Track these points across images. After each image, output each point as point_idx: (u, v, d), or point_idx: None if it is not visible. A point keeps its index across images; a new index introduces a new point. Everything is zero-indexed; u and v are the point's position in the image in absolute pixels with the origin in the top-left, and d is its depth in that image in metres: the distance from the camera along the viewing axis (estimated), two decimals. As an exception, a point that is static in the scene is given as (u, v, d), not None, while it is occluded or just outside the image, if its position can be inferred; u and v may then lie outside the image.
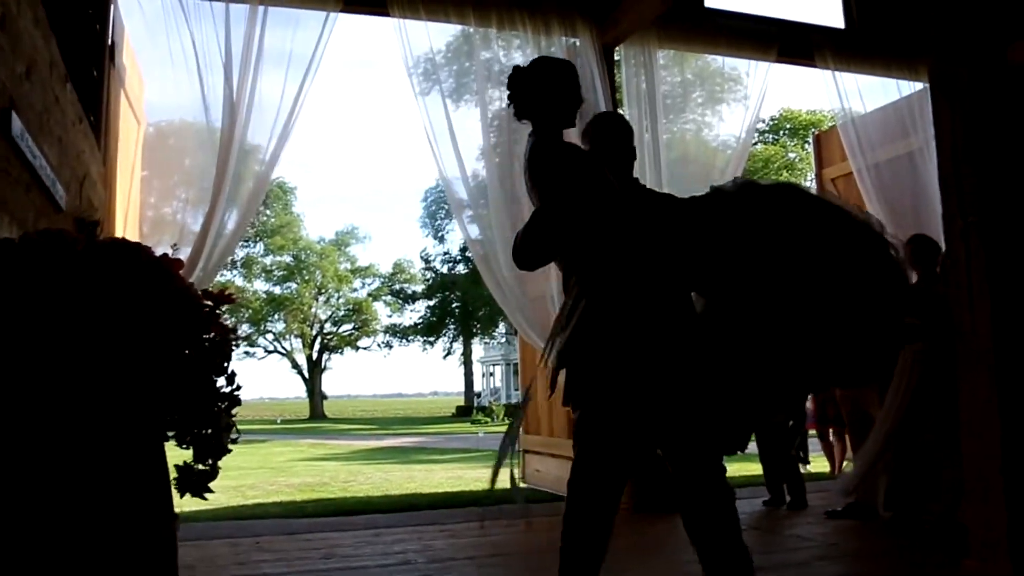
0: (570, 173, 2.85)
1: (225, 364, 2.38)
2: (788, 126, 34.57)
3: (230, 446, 2.41)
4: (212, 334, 2.37)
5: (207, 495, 2.37)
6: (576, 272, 2.96)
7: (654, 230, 2.95)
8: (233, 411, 2.42)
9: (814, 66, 7.25)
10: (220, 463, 2.39)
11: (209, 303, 2.41)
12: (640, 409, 2.83)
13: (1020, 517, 3.54)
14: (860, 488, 5.35)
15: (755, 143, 34.89)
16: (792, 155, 33.06)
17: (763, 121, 35.07)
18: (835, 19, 7.52)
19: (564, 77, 3.09)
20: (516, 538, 5.36)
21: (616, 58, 6.92)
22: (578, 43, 6.63)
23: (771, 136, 35.23)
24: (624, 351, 2.78)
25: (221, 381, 2.38)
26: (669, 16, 6.56)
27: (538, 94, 3.01)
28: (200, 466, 2.35)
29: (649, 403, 2.81)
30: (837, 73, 7.29)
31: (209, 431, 2.33)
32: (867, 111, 7.64)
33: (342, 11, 6.03)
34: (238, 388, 2.41)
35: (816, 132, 10.28)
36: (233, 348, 2.43)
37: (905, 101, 7.55)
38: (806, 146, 31.45)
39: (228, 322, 2.53)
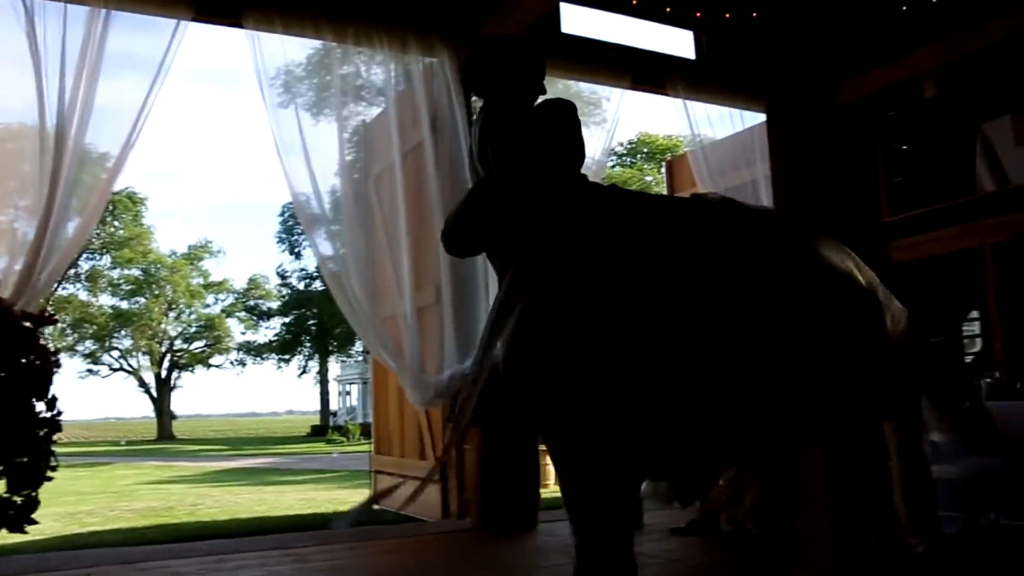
0: (531, 151, 2.67)
1: (46, 388, 2.25)
2: (645, 150, 35.87)
3: (50, 474, 2.27)
4: (32, 356, 2.24)
5: (28, 527, 2.22)
6: (517, 264, 2.63)
7: (605, 227, 2.59)
8: (53, 437, 2.28)
9: (666, 94, 7.49)
10: (41, 491, 2.25)
11: (28, 324, 2.27)
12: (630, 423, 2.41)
13: (845, 529, 3.71)
14: (713, 505, 5.45)
15: (612, 165, 36.15)
16: (648, 178, 34.20)
17: (621, 144, 36.65)
18: (687, 50, 7.80)
19: (533, 59, 2.97)
20: (361, 561, 5.25)
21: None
22: (435, 62, 6.63)
23: (628, 159, 36.56)
24: (597, 357, 2.36)
25: (40, 406, 2.24)
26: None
27: (505, 69, 2.84)
28: (17, 497, 2.20)
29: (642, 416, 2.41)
30: (688, 101, 7.57)
31: (26, 459, 2.19)
32: (716, 139, 7.96)
33: (193, 20, 5.84)
34: (59, 413, 2.28)
35: (669, 157, 10.65)
36: (55, 371, 2.30)
37: (749, 132, 7.90)
38: (661, 170, 32.60)
39: (51, 343, 2.39)
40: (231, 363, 48.46)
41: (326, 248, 6.67)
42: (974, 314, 6.88)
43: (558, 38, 7.08)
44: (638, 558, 4.96)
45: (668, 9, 7.40)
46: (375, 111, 7.26)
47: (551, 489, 10.87)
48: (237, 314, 48.02)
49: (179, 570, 4.90)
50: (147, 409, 51.43)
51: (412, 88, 6.64)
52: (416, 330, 6.33)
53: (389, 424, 7.53)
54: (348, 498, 11.26)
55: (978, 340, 6.90)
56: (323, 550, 5.46)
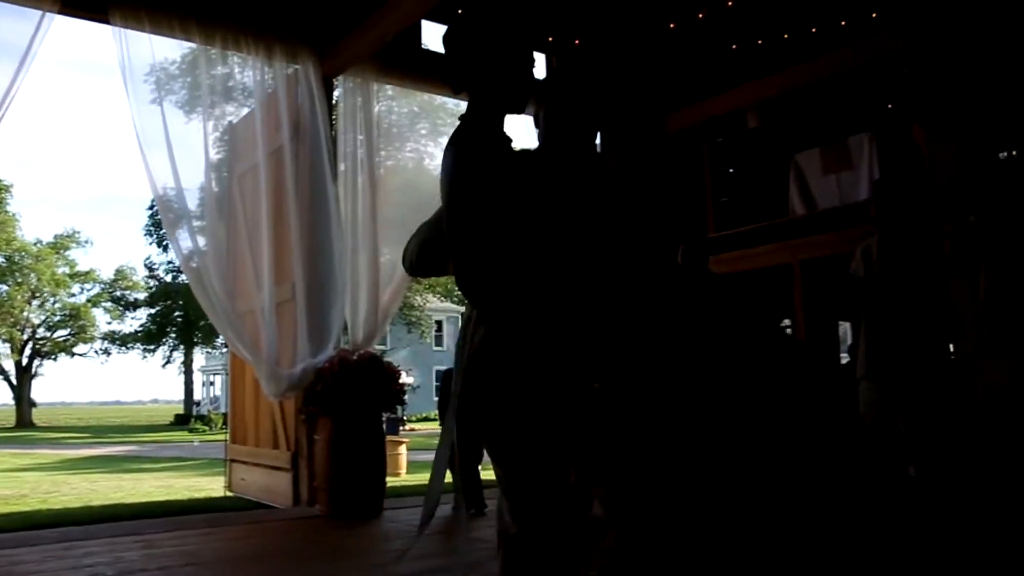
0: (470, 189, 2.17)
1: None
2: None
3: None
4: None
5: None
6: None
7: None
8: None
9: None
10: None
11: None
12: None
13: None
14: None
15: None
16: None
17: None
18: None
19: (520, 44, 2.33)
20: (212, 546, 5.41)
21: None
22: (299, 69, 6.90)
23: None
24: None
25: None
26: (387, 52, 7.01)
27: (486, 60, 2.21)
28: None
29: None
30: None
31: None
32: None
33: (60, 12, 5.94)
34: None
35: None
36: None
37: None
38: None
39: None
40: (96, 352, 47.14)
41: (188, 244, 6.83)
42: (786, 322, 7.57)
43: (417, 53, 7.46)
44: (473, 543, 5.36)
45: (523, 32, 7.83)
46: (245, 112, 7.46)
47: (401, 478, 11.28)
48: (103, 304, 46.69)
49: (24, 558, 4.91)
50: (5, 396, 49.18)
51: (277, 93, 6.89)
52: (273, 325, 6.58)
53: (245, 414, 7.74)
54: (206, 485, 11.33)
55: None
56: (174, 536, 5.60)
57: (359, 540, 5.54)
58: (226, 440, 8.43)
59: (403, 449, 13.09)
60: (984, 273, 3.85)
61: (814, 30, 8.46)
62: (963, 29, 6.53)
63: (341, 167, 7.06)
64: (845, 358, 7.79)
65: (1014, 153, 3.93)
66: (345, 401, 6.15)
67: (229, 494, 7.94)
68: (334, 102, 7.31)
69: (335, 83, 7.21)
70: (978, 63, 6.49)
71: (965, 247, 3.90)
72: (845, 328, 9.69)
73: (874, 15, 7.73)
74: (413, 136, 8.14)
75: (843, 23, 8.14)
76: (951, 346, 4.55)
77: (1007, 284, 3.75)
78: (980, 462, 4.15)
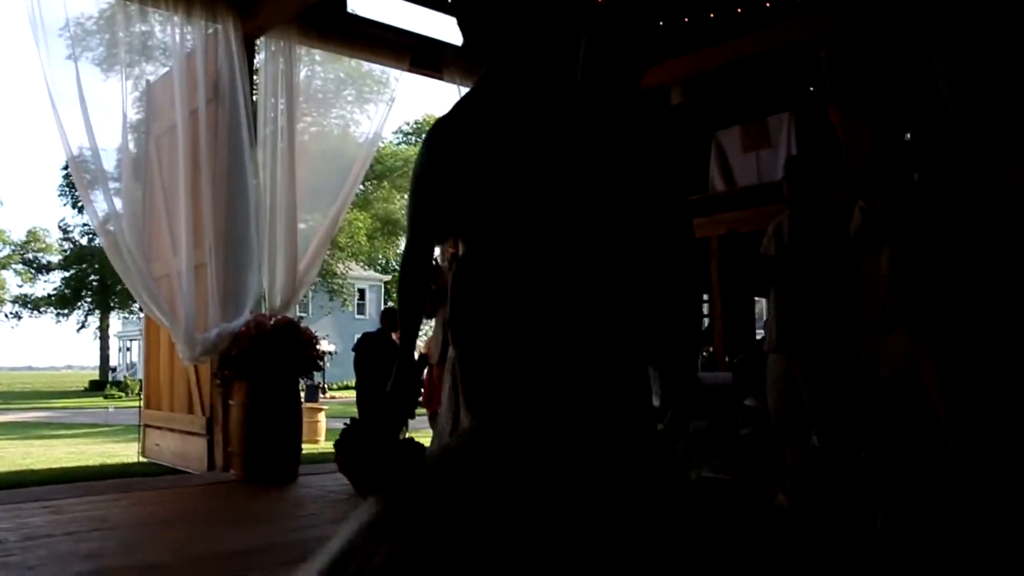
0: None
1: None
2: None
3: None
4: None
5: None
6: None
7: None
8: None
9: (442, 79, 7.89)
10: None
11: None
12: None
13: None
14: None
15: (399, 143, 37.31)
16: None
17: (408, 124, 39.12)
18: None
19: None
20: (122, 512, 5.34)
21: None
22: (219, 29, 6.76)
23: (414, 138, 37.99)
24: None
25: None
26: (311, 15, 6.91)
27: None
28: None
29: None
30: (463, 87, 7.99)
31: None
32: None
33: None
34: None
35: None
36: None
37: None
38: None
39: None
40: (6, 316, 45.53)
41: (104, 207, 6.66)
42: (704, 297, 7.72)
43: (343, 16, 7.36)
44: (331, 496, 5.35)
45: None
46: (163, 70, 7.28)
47: (320, 445, 11.24)
48: (14, 266, 45.13)
49: (-81, 526, 4.73)
50: (-96, 360, 47.35)
51: (196, 52, 6.74)
52: (190, 289, 6.48)
53: (159, 379, 7.63)
54: (119, 452, 11.12)
55: (705, 319, 7.76)
56: (83, 502, 5.51)
57: (272, 505, 5.52)
58: (140, 405, 8.29)
59: (322, 416, 13.03)
60: (887, 250, 3.99)
61: (739, 10, 8.59)
62: (880, 13, 6.70)
63: (261, 131, 6.94)
64: (761, 334, 8.01)
65: (920, 134, 4.05)
66: (261, 366, 6.10)
67: (143, 460, 7.83)
68: (256, 65, 7.17)
69: (257, 45, 7.07)
70: (893, 47, 6.67)
71: (872, 226, 4.03)
72: (762, 304, 9.96)
73: (798, -2, 7.88)
74: (339, 103, 8.05)
75: (767, 4, 8.28)
76: (858, 322, 4.70)
77: (908, 261, 3.89)
78: (881, 433, 4.32)
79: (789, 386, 4.45)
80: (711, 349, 6.99)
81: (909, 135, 4.07)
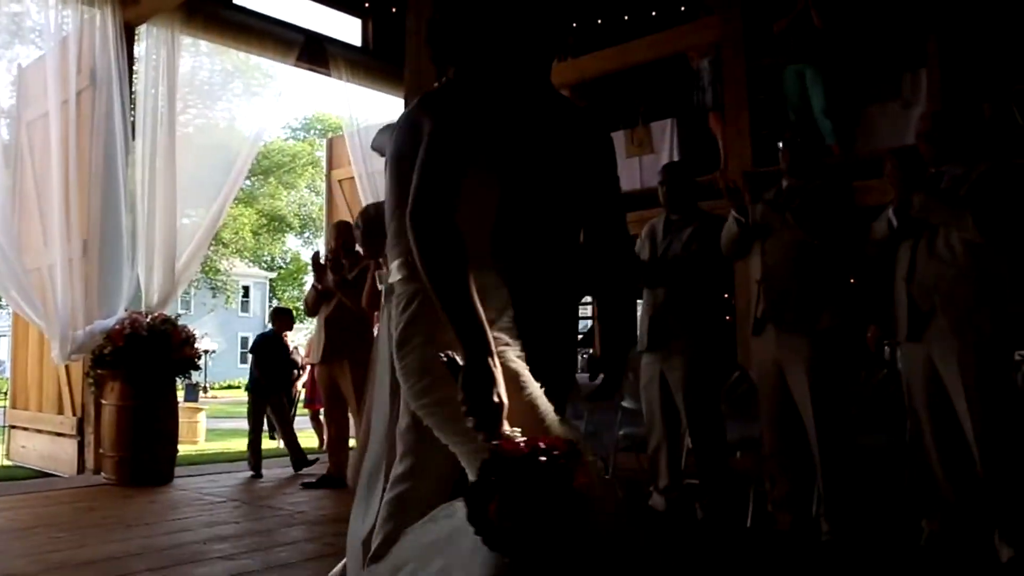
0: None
1: None
2: (319, 127, 37.00)
3: None
4: None
5: None
6: None
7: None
8: None
9: (329, 75, 7.82)
10: None
11: None
12: None
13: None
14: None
15: (287, 138, 36.84)
16: (319, 153, 34.78)
17: (297, 119, 38.61)
18: (353, 37, 8.20)
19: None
20: None
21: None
22: (98, 14, 6.52)
23: (303, 134, 37.72)
24: None
25: None
26: (196, 4, 6.75)
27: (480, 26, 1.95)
28: None
29: None
30: (350, 84, 7.94)
31: None
32: (373, 123, 8.39)
33: None
34: None
35: (331, 136, 10.93)
36: None
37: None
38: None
39: None
40: None
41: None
42: (587, 299, 7.83)
43: (228, 7, 7.22)
44: (265, 511, 5.31)
45: (338, -5, 7.77)
46: (37, 55, 6.99)
47: (199, 446, 10.98)
48: None
49: None
50: None
51: (72, 37, 6.49)
52: (63, 283, 6.24)
53: (27, 377, 7.31)
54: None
55: (589, 321, 7.91)
56: None
57: (145, 509, 5.35)
58: (4, 405, 7.93)
59: (202, 416, 12.70)
60: (757, 255, 4.14)
61: (626, 17, 8.79)
62: (763, 23, 6.96)
63: (141, 122, 6.73)
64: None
65: (792, 140, 4.23)
66: (136, 365, 5.92)
67: (7, 463, 7.49)
68: (138, 54, 6.95)
69: (138, 33, 6.86)
70: (774, 57, 6.94)
71: (745, 235, 4.18)
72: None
73: (683, 8, 8.12)
74: (225, 95, 7.87)
75: (653, 13, 8.50)
76: (729, 324, 4.86)
77: (779, 265, 4.05)
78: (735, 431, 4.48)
79: (662, 387, 4.57)
80: (591, 351, 7.12)
81: (781, 143, 4.25)
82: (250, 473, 6.69)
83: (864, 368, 4.41)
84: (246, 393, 7.57)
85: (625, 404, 5.15)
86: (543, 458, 1.49)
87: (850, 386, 4.06)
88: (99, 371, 6.11)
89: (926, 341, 3.64)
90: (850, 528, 3.89)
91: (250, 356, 7.45)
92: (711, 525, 4.50)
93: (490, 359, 1.65)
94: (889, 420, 4.29)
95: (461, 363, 1.64)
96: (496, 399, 1.61)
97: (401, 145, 1.91)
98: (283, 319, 7.53)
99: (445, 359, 1.65)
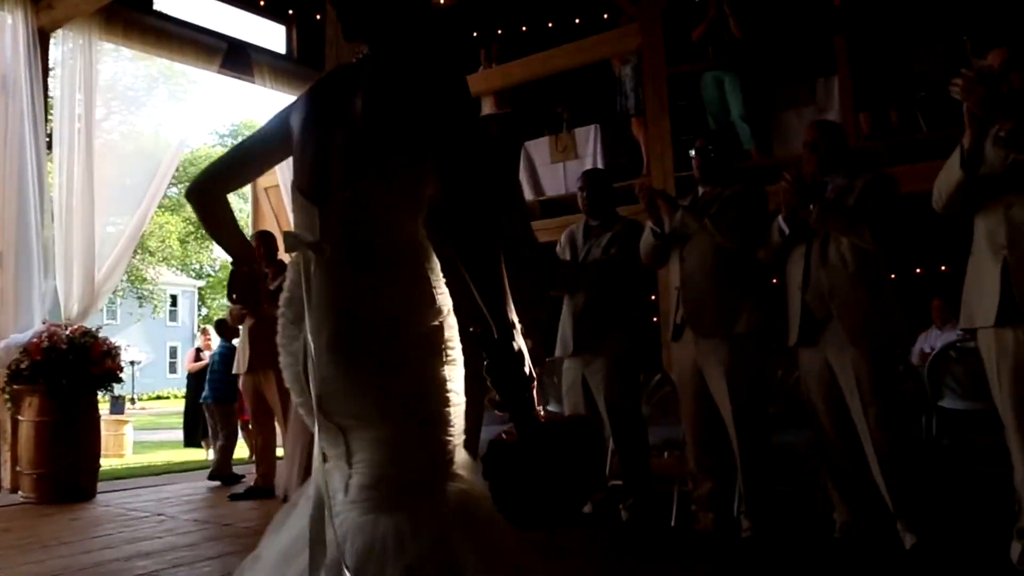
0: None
1: None
2: (247, 133, 36.64)
3: None
4: None
5: None
6: None
7: None
8: None
9: (253, 82, 7.74)
10: None
11: None
12: None
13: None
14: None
15: (214, 145, 36.23)
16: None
17: (224, 126, 38.53)
18: (278, 44, 8.14)
19: None
20: None
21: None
22: (10, 18, 6.36)
23: (230, 140, 37.30)
24: None
25: None
26: (114, 10, 6.64)
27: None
28: None
29: None
30: (275, 91, 7.87)
31: None
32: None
33: None
34: None
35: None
36: None
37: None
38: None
39: None
40: None
41: None
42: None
43: (149, 13, 7.12)
44: (190, 525, 5.23)
45: (262, 2, 7.70)
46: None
47: (125, 459, 10.76)
48: None
49: None
50: None
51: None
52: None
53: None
54: None
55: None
56: None
57: (65, 527, 5.21)
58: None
59: (128, 429, 12.46)
60: (675, 261, 4.23)
61: (550, 24, 8.89)
62: (682, 30, 7.09)
63: (59, 129, 6.58)
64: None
65: (703, 148, 4.32)
66: (55, 379, 5.78)
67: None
68: (55, 59, 6.79)
69: (54, 38, 6.71)
70: (693, 63, 7.07)
71: (661, 245, 4.27)
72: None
73: (605, 16, 8.23)
74: (150, 101, 7.75)
75: (576, 21, 8.61)
76: (648, 326, 4.94)
77: (697, 270, 4.14)
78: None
79: (585, 391, 4.63)
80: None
81: (692, 151, 4.34)
82: (175, 485, 6.60)
83: (780, 367, 4.52)
84: (205, 404, 7.61)
85: (549, 408, 5.20)
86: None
87: (767, 386, 4.16)
88: (15, 386, 5.95)
89: (821, 345, 3.77)
90: (769, 524, 4.00)
91: (215, 367, 7.47)
92: (636, 526, 4.57)
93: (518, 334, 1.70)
94: (804, 418, 4.41)
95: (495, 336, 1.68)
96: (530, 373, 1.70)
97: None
98: (231, 330, 7.51)
99: (476, 332, 1.69)
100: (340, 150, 1.79)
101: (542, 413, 1.70)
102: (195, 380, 10.37)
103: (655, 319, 6.67)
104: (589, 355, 4.56)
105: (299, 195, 1.84)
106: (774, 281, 4.27)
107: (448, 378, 1.77)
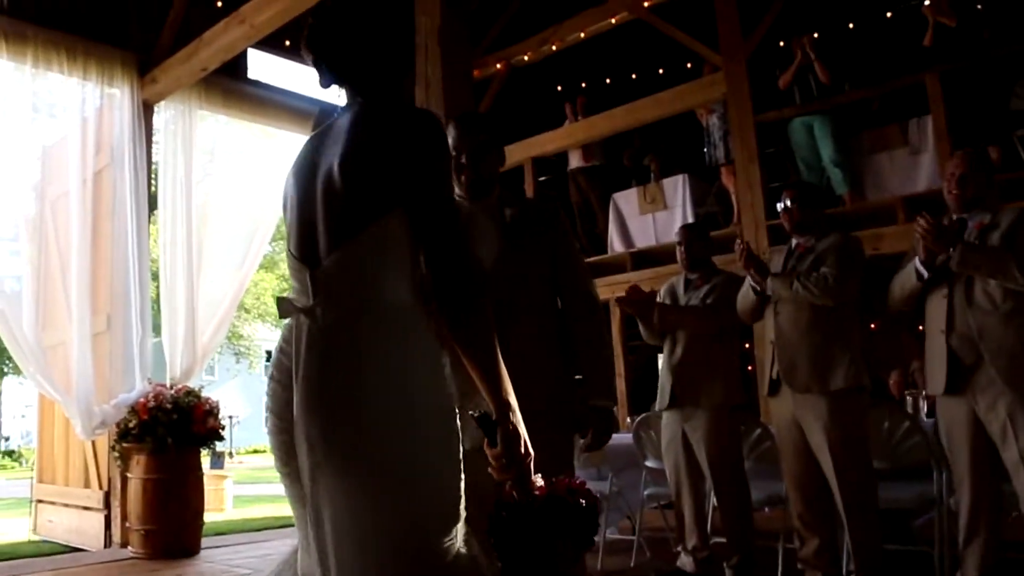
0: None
1: None
2: None
3: None
4: None
5: None
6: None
7: None
8: None
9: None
10: None
11: None
12: None
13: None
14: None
15: None
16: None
17: None
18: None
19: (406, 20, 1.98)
20: None
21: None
22: (117, 93, 6.70)
23: None
24: None
25: None
26: (212, 80, 6.92)
27: (379, 38, 1.87)
28: None
29: None
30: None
31: None
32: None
33: None
34: None
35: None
36: None
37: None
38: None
39: None
40: None
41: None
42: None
43: (245, 82, 7.41)
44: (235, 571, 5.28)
45: (351, 66, 7.91)
46: (60, 134, 7.15)
47: (225, 513, 10.95)
48: None
49: None
50: None
51: (93, 116, 6.67)
52: (87, 358, 6.29)
53: (54, 451, 7.34)
54: (10, 528, 10.60)
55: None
56: None
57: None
58: (32, 479, 7.97)
59: (227, 484, 12.69)
60: (771, 317, 4.14)
61: (634, 76, 8.93)
62: (767, 77, 7.05)
63: (163, 195, 6.87)
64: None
65: (790, 200, 4.22)
66: (160, 438, 5.95)
67: (35, 538, 7.50)
68: (157, 128, 7.11)
69: (157, 107, 7.03)
70: (780, 110, 7.02)
71: (760, 301, 4.20)
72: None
73: (688, 65, 8.24)
74: (248, 164, 8.00)
75: (661, 71, 8.64)
76: (745, 380, 4.85)
77: (791, 326, 4.05)
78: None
79: (685, 446, 4.56)
80: (615, 408, 7.11)
81: (779, 204, 4.26)
82: (275, 541, 6.68)
83: (886, 419, 4.37)
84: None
85: (649, 464, 5.13)
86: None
87: (868, 441, 4.03)
88: (124, 444, 6.15)
89: (969, 392, 3.59)
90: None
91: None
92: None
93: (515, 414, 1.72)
94: (917, 472, 4.24)
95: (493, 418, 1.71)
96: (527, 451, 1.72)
97: None
98: None
99: (476, 415, 1.71)
100: (324, 208, 1.74)
101: (539, 484, 1.73)
102: None
103: (749, 367, 6.56)
104: (689, 408, 4.49)
105: (291, 257, 1.81)
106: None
107: (444, 452, 1.69)
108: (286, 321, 1.81)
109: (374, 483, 1.63)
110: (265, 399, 1.84)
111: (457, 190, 2.72)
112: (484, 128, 2.79)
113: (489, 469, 1.72)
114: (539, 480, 1.74)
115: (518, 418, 1.70)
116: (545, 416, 2.09)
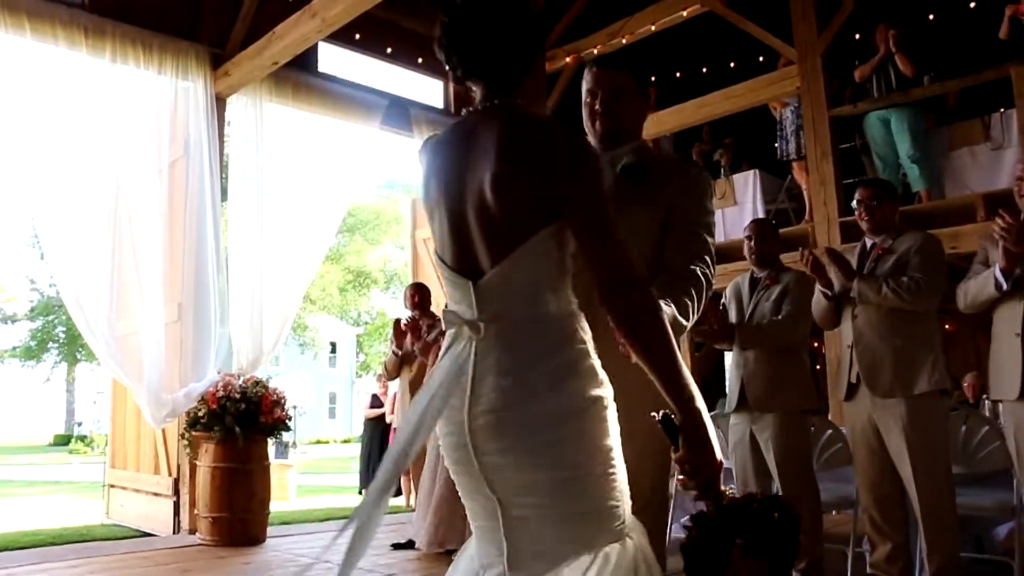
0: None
1: None
2: (402, 183, 37.50)
3: None
4: None
5: None
6: None
7: None
8: None
9: (412, 137, 7.97)
10: None
11: None
12: None
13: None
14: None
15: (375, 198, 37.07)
16: (402, 211, 35.23)
17: (384, 178, 38.50)
18: (435, 99, 8.38)
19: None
20: None
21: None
22: (191, 86, 6.81)
23: (386, 191, 37.74)
24: None
25: None
26: (284, 73, 7.00)
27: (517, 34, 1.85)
28: None
29: None
30: (431, 144, 8.05)
31: None
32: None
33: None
34: None
35: (414, 196, 10.96)
36: None
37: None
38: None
39: None
40: (-32, 366, 44.58)
41: (61, 262, 6.51)
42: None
43: (315, 76, 7.47)
44: (357, 571, 5.30)
45: (420, 60, 7.95)
46: (135, 126, 7.28)
47: (290, 503, 11.09)
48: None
49: None
50: None
51: (168, 108, 6.79)
52: (158, 347, 6.42)
53: (125, 437, 7.52)
54: (83, 512, 10.88)
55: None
56: (39, 570, 5.33)
57: (238, 571, 5.39)
58: (105, 463, 8.15)
59: (291, 473, 12.89)
60: (848, 322, 4.03)
61: (704, 70, 8.80)
62: (843, 71, 6.88)
63: (234, 188, 6.98)
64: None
65: (866, 199, 4.10)
66: (228, 427, 6.03)
67: (107, 521, 7.68)
68: (229, 119, 7.22)
69: (230, 101, 7.13)
70: (856, 104, 6.84)
71: (833, 308, 4.09)
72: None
73: (761, 59, 8.08)
74: (317, 157, 8.07)
75: (733, 64, 8.49)
76: (816, 380, 4.73)
77: (872, 329, 3.93)
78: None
79: (752, 447, 4.45)
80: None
81: (854, 203, 4.15)
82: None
83: (964, 423, 4.23)
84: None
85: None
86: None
87: (948, 446, 3.90)
88: (193, 433, 6.24)
89: None
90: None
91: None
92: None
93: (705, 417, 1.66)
94: (993, 477, 4.11)
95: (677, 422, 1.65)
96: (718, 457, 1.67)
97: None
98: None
99: (659, 417, 1.67)
100: (480, 224, 1.74)
101: (728, 493, 1.67)
102: (371, 426, 10.60)
103: (818, 367, 6.42)
104: (756, 411, 4.39)
105: (445, 267, 1.82)
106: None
107: (611, 446, 1.71)
108: (449, 331, 1.82)
109: (551, 478, 1.68)
110: (422, 401, 1.77)
111: (590, 138, 2.61)
112: (621, 75, 2.63)
113: (676, 476, 1.68)
114: (730, 490, 1.68)
115: (706, 420, 1.65)
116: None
